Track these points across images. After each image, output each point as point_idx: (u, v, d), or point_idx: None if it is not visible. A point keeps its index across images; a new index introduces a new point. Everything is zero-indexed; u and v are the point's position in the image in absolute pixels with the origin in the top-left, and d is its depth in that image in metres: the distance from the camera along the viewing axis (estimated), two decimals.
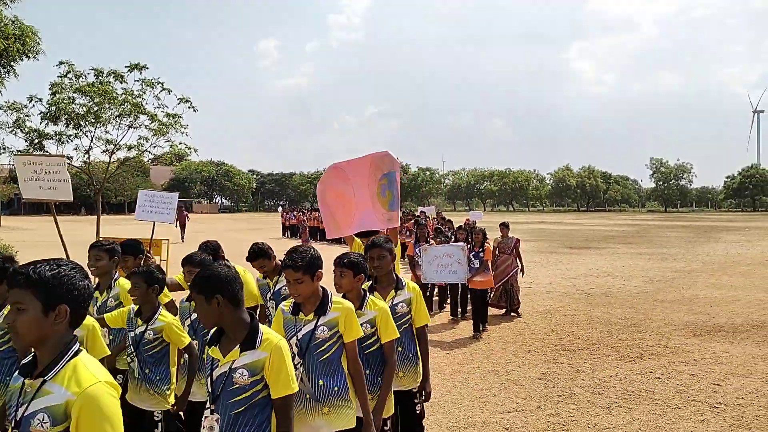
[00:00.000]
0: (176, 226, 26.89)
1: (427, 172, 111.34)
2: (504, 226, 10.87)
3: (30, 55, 11.98)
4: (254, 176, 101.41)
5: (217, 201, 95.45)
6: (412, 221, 18.36)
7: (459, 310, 10.31)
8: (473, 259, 9.41)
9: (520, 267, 10.69)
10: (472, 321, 9.34)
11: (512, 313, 10.51)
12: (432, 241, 11.03)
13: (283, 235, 32.96)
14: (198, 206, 79.90)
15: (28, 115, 12.44)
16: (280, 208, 47.38)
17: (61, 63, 12.49)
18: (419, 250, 9.69)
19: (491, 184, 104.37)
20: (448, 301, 10.84)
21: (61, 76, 12.47)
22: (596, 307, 11.14)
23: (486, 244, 9.57)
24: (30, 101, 12.31)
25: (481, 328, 9.09)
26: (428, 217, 22.76)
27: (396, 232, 5.33)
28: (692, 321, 9.85)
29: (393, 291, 3.92)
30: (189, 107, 12.88)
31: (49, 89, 12.38)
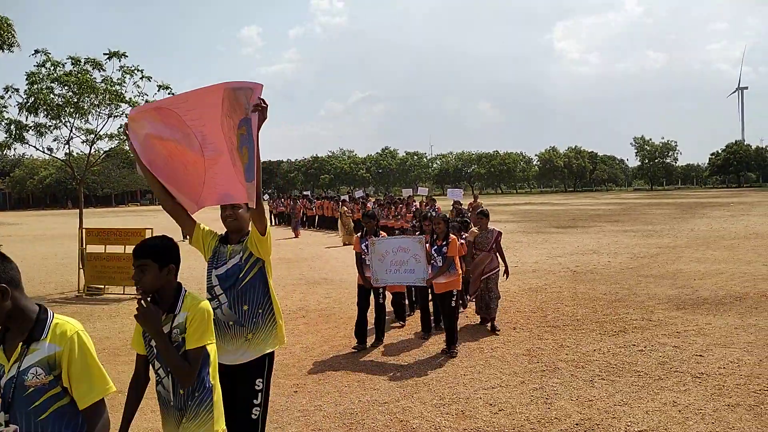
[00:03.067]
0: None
1: (415, 157, 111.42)
2: (482, 215, 8.62)
3: (5, 47, 11.77)
4: None
5: None
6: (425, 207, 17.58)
7: (432, 319, 8.33)
8: (435, 255, 7.28)
9: (502, 267, 8.42)
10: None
11: (486, 324, 8.30)
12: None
13: (272, 223, 32.88)
14: None
15: (5, 107, 12.23)
16: (266, 196, 47.22)
17: (37, 52, 12.27)
18: (366, 246, 7.58)
19: (479, 167, 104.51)
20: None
21: (37, 66, 12.26)
22: (581, 284, 11.22)
23: (451, 235, 7.42)
24: (6, 91, 12.10)
25: (454, 349, 7.11)
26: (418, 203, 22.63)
27: (260, 215, 3.46)
28: (676, 295, 9.95)
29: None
30: (169, 94, 12.71)
31: (26, 79, 12.17)
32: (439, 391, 5.83)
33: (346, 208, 22.04)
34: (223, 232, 3.76)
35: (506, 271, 8.46)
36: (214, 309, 3.23)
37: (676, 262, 13.63)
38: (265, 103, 3.14)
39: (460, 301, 8.46)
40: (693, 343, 7.09)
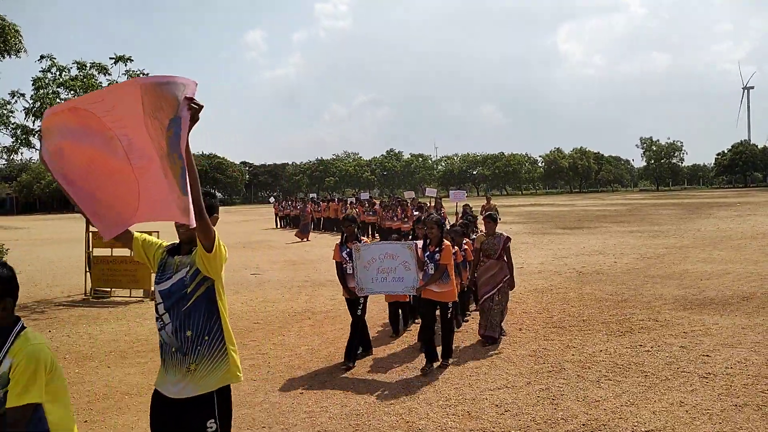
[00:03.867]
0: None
1: (420, 159, 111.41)
2: (490, 220, 7.85)
3: (12, 52, 11.84)
4: (247, 168, 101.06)
5: None
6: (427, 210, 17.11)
7: (402, 323, 8.35)
8: (427, 261, 6.70)
9: (509, 278, 7.74)
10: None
11: (488, 340, 7.50)
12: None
13: (277, 226, 32.91)
14: None
15: (12, 112, 12.30)
16: (272, 199, 47.31)
17: (42, 57, 12.35)
18: (346, 254, 6.91)
19: (484, 169, 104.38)
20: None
21: (43, 71, 12.34)
22: (587, 285, 11.19)
23: (445, 241, 6.81)
24: (12, 97, 12.17)
25: (446, 361, 6.70)
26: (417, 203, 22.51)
27: (204, 230, 2.85)
28: (682, 295, 9.91)
29: None
30: None
31: (32, 84, 12.24)
32: (445, 392, 5.83)
33: (352, 210, 22.06)
34: (175, 242, 3.26)
35: (511, 281, 7.74)
36: (159, 330, 3.01)
37: (682, 263, 13.58)
38: (198, 104, 2.59)
39: (459, 316, 8.35)
40: (700, 344, 7.06)
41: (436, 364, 6.59)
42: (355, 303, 6.95)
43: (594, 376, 6.07)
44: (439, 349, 6.83)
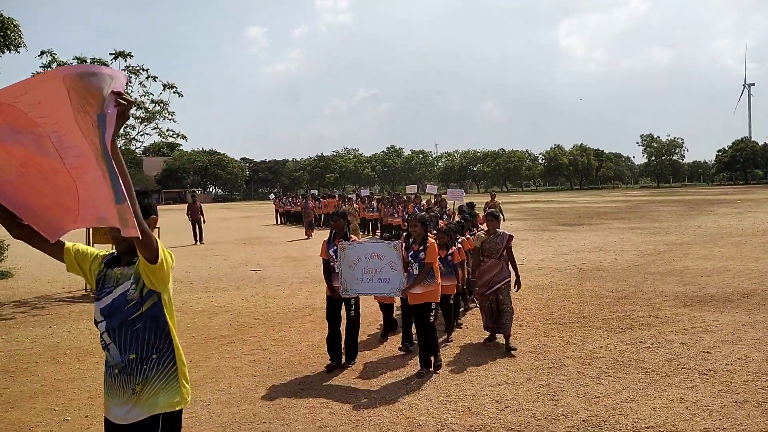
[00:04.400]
0: (189, 219, 21.80)
1: (421, 155, 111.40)
2: (492, 218, 7.46)
3: (12, 47, 11.83)
4: (247, 164, 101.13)
5: (210, 190, 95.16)
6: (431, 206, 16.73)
7: (381, 331, 7.99)
8: (411, 261, 6.43)
9: (514, 277, 7.40)
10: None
11: (494, 339, 7.42)
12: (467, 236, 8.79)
13: (277, 222, 32.91)
14: (190, 197, 79.57)
15: None
16: (272, 196, 47.31)
17: (43, 53, 12.34)
18: (333, 251, 6.63)
19: (484, 166, 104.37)
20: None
21: (44, 67, 12.33)
22: (588, 282, 11.20)
23: (429, 239, 6.53)
24: None
25: (433, 362, 6.42)
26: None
27: (145, 242, 2.53)
28: (683, 292, 9.92)
29: None
30: (174, 92, 12.81)
31: None
32: (446, 388, 5.84)
33: (351, 206, 21.99)
34: (113, 252, 2.93)
35: (517, 282, 7.42)
36: (102, 348, 2.81)
37: (683, 259, 13.58)
38: (126, 100, 2.31)
39: (458, 318, 8.29)
40: (700, 340, 7.07)
41: (440, 361, 6.52)
42: (337, 303, 6.69)
43: (594, 373, 6.07)
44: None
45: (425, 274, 6.32)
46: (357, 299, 6.77)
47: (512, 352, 6.89)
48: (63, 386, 6.25)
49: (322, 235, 24.09)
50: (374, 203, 24.62)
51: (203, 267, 15.32)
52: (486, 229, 7.62)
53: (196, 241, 21.05)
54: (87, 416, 5.39)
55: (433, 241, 6.56)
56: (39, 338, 8.31)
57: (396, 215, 20.93)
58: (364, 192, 31.89)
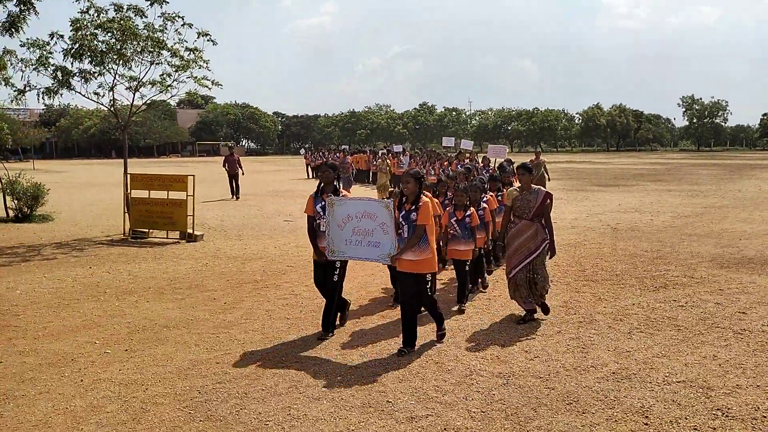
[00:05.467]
0: (226, 171, 20.66)
1: (454, 113, 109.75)
2: (524, 171, 6.42)
3: None
4: (279, 119, 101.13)
5: (243, 144, 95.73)
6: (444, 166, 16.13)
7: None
8: (402, 222, 5.55)
9: (548, 242, 6.31)
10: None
11: (531, 315, 6.40)
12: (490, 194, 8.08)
13: (309, 176, 33.07)
14: (225, 149, 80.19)
15: (50, 53, 12.41)
16: (302, 151, 47.44)
17: None
18: (320, 207, 5.86)
19: (519, 124, 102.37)
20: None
21: (81, 12, 12.37)
22: (622, 241, 11.03)
23: (424, 196, 5.64)
24: (51, 38, 12.26)
25: (441, 330, 5.85)
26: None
27: None
28: (720, 253, 9.71)
29: None
30: (209, 41, 12.73)
31: (71, 25, 12.29)
32: (475, 337, 5.88)
33: (384, 162, 21.70)
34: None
35: (551, 248, 6.34)
36: None
37: (721, 222, 13.26)
38: None
39: (482, 278, 7.72)
40: (736, 301, 6.94)
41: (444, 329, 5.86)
42: (330, 267, 5.90)
43: (626, 328, 6.03)
44: (429, 328, 6.03)
45: (417, 238, 5.39)
46: (344, 263, 5.98)
47: (546, 312, 6.42)
48: (104, 322, 6.48)
49: (352, 190, 24.33)
50: (405, 159, 24.21)
51: (237, 216, 15.55)
52: (519, 185, 6.60)
53: (232, 195, 20.43)
54: (126, 350, 5.59)
55: (427, 199, 5.59)
56: (80, 277, 8.60)
57: (432, 173, 20.44)
58: (397, 148, 31.57)
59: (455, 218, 6.88)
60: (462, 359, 5.27)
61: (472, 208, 7.07)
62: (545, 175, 17.72)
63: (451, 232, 6.89)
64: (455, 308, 6.86)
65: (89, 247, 11.09)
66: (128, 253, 10.47)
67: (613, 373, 4.89)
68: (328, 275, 5.94)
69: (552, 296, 7.31)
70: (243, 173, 20.87)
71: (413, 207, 5.51)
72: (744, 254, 9.62)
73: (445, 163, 17.62)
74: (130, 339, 5.91)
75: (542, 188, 6.40)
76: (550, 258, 6.47)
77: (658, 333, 5.88)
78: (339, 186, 6.06)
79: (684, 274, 8.30)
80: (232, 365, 5.19)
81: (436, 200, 7.27)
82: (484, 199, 7.66)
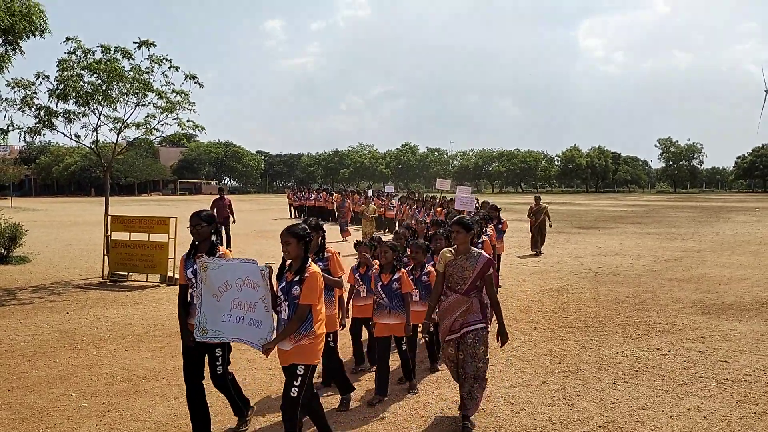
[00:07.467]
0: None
1: (436, 153, 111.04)
2: (461, 227, 4.91)
3: (36, 33, 11.92)
4: (262, 157, 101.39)
5: (226, 182, 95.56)
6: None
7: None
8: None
9: (484, 326, 4.91)
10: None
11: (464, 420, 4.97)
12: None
13: (291, 216, 32.97)
14: (207, 188, 79.98)
15: (36, 93, 12.40)
16: (287, 190, 47.58)
17: (68, 39, 12.43)
18: (192, 271, 4.47)
19: (499, 165, 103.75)
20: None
21: (68, 53, 12.42)
22: (604, 286, 11.11)
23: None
24: (37, 78, 12.27)
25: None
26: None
27: None
28: (700, 299, 9.81)
29: None
30: (195, 83, 12.82)
31: (57, 66, 12.32)
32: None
33: (368, 205, 21.36)
34: None
35: (501, 332, 4.92)
36: None
37: (700, 266, 13.43)
38: None
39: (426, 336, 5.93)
40: (718, 349, 6.99)
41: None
42: (210, 354, 4.60)
43: (610, 378, 6.02)
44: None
45: (298, 322, 4.07)
46: (227, 346, 4.65)
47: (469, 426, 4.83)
48: (80, 372, 6.31)
49: (331, 229, 24.22)
50: (395, 202, 22.89)
51: None
52: (455, 244, 5.09)
53: (220, 244, 19.02)
54: (104, 403, 5.44)
55: (315, 269, 4.18)
56: (56, 324, 8.40)
57: (425, 219, 19.29)
58: (389, 188, 30.76)
59: (381, 283, 5.61)
60: (447, 412, 5.20)
61: (429, 266, 5.99)
62: (547, 222, 16.54)
63: (378, 300, 5.66)
64: (405, 386, 5.84)
65: (66, 291, 10.87)
66: (106, 298, 10.27)
67: (600, 426, 4.86)
68: (211, 366, 4.60)
69: (537, 344, 7.32)
70: (234, 221, 17.30)
71: (296, 278, 4.14)
72: (724, 300, 9.73)
73: (438, 209, 15.86)
74: (107, 391, 5.75)
75: (483, 253, 5.00)
76: (501, 345, 5.03)
77: (642, 383, 5.87)
78: (216, 241, 4.73)
79: (666, 321, 8.35)
80: (213, 420, 5.05)
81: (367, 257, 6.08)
82: (487, 232, 7.94)
